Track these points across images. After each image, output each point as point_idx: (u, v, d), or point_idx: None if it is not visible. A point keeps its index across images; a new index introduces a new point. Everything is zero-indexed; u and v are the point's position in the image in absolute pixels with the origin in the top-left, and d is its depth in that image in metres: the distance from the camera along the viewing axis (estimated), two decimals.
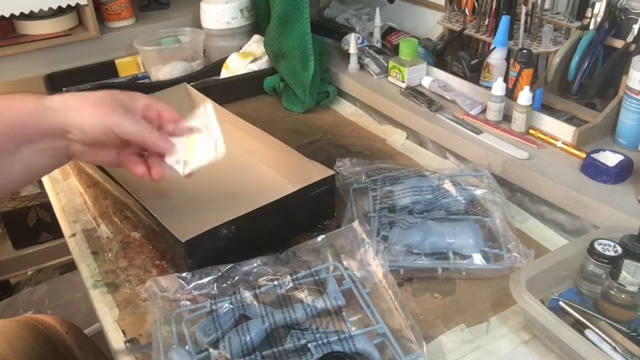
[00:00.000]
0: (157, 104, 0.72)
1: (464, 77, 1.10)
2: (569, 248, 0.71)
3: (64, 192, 0.98)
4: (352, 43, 1.22)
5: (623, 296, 0.63)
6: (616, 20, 0.94)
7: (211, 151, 0.69)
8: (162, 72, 1.27)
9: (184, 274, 0.70)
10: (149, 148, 0.70)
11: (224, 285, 0.70)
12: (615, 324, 0.62)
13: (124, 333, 0.68)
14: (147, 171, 0.72)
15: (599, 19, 0.95)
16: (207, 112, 0.71)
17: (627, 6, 0.92)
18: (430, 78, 1.13)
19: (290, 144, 0.90)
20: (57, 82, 1.24)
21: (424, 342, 0.62)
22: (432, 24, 1.27)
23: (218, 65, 1.29)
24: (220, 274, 0.71)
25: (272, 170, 0.95)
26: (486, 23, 1.10)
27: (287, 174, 0.91)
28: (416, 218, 0.80)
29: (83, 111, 0.65)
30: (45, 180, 1.02)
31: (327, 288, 0.69)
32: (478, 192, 0.86)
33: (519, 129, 0.95)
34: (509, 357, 0.64)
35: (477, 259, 0.75)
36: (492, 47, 1.05)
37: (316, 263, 0.74)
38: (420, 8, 1.34)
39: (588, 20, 0.98)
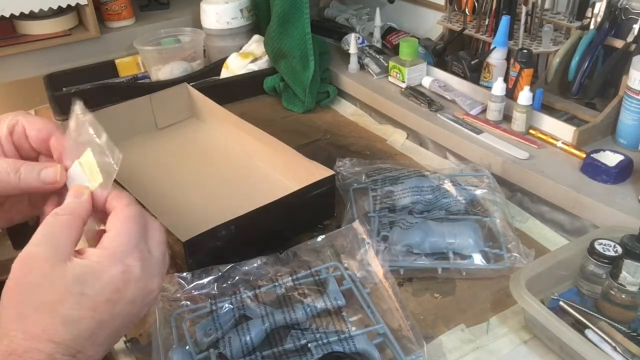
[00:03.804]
0: (21, 119, 0.51)
1: (464, 77, 1.10)
2: (569, 248, 0.71)
3: None
4: (352, 43, 1.22)
5: (623, 296, 0.63)
6: (616, 20, 0.94)
7: (109, 161, 0.49)
8: (162, 72, 1.27)
9: (184, 274, 0.70)
10: (32, 192, 0.51)
11: (224, 285, 0.70)
12: (616, 324, 0.62)
13: None
14: None
15: (599, 19, 0.95)
16: (79, 117, 0.51)
17: (627, 6, 0.92)
18: (430, 78, 1.13)
19: (290, 144, 0.90)
20: (57, 82, 1.24)
21: (424, 342, 0.62)
22: (432, 24, 1.27)
23: (218, 65, 1.29)
24: (220, 274, 0.71)
25: (272, 170, 0.94)
26: (486, 23, 1.10)
27: (287, 174, 0.91)
28: (416, 218, 0.80)
29: None
30: None
31: (327, 288, 0.69)
32: (478, 192, 0.86)
33: (519, 129, 0.95)
34: (509, 357, 0.64)
35: (477, 259, 0.75)
36: (492, 47, 1.05)
37: (316, 263, 0.73)
38: (420, 8, 1.34)
39: (588, 20, 0.98)
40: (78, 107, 0.51)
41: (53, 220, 0.45)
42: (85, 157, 0.50)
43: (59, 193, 0.51)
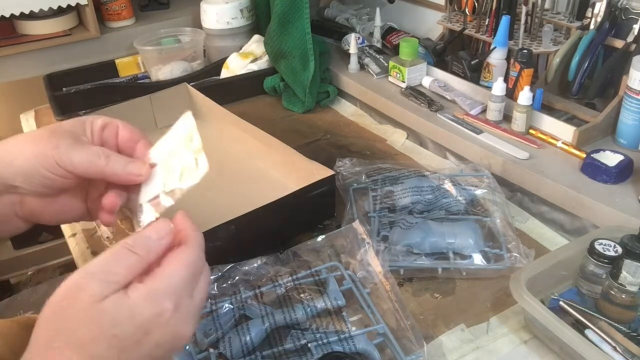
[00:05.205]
0: (115, 121, 0.56)
1: (464, 77, 1.10)
2: (569, 248, 0.71)
3: None
4: (352, 43, 1.22)
5: (623, 296, 0.63)
6: (616, 20, 0.94)
7: (192, 171, 0.52)
8: (162, 72, 1.27)
9: None
10: (113, 180, 0.53)
11: (224, 285, 0.70)
12: (616, 324, 0.62)
13: None
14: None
15: (599, 19, 0.95)
16: (187, 124, 0.55)
17: (627, 6, 0.92)
18: (430, 78, 1.13)
19: (290, 144, 0.90)
20: (57, 82, 1.25)
21: (424, 342, 0.62)
22: (432, 23, 1.27)
23: (218, 65, 1.29)
24: (220, 274, 0.71)
25: (272, 170, 0.94)
26: (486, 23, 1.10)
27: (287, 174, 0.91)
28: (416, 218, 0.80)
29: (22, 151, 0.51)
30: None
31: (327, 288, 0.69)
32: (478, 192, 0.86)
33: (519, 129, 0.95)
34: (509, 357, 0.64)
35: (477, 259, 0.75)
36: (492, 47, 1.05)
37: (316, 263, 0.73)
38: (420, 8, 1.34)
39: (588, 20, 0.98)
40: (188, 115, 0.54)
41: (122, 254, 0.44)
42: (170, 159, 0.53)
43: (123, 189, 0.54)
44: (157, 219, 0.51)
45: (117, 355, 0.41)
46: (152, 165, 0.53)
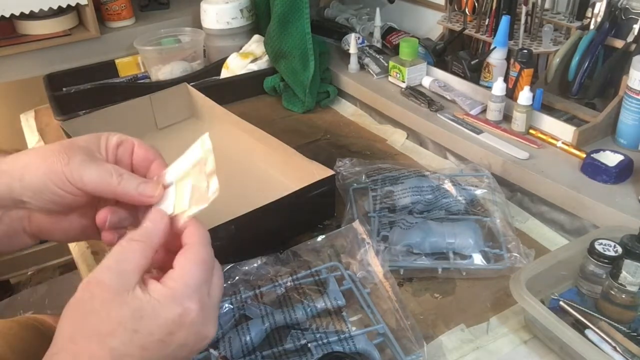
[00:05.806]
0: (131, 138, 0.54)
1: (464, 77, 1.10)
2: (569, 248, 0.71)
3: None
4: (352, 43, 1.22)
5: (623, 296, 0.63)
6: (616, 20, 0.94)
7: (203, 194, 0.51)
8: (162, 72, 1.27)
9: None
10: (124, 200, 0.51)
11: (224, 285, 0.70)
12: (616, 324, 0.62)
13: None
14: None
15: (599, 19, 0.95)
16: (204, 146, 0.53)
17: (627, 6, 0.92)
18: (430, 78, 1.13)
19: (290, 144, 0.90)
20: (57, 82, 1.25)
21: (424, 342, 0.62)
22: (432, 24, 1.27)
23: (218, 65, 1.29)
24: None
25: (272, 170, 0.94)
26: (486, 23, 1.10)
27: (287, 174, 0.91)
28: (416, 218, 0.80)
29: (32, 167, 0.49)
30: None
31: (327, 288, 0.69)
32: (478, 192, 0.86)
33: (519, 129, 0.95)
34: (509, 357, 0.64)
35: (477, 259, 0.75)
36: (492, 47, 1.05)
37: (316, 263, 0.73)
38: (420, 8, 1.34)
39: (588, 20, 0.98)
40: (205, 137, 0.52)
41: (127, 245, 0.45)
42: (182, 181, 0.51)
43: (128, 207, 0.52)
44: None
45: (139, 354, 0.42)
46: (166, 187, 0.52)
